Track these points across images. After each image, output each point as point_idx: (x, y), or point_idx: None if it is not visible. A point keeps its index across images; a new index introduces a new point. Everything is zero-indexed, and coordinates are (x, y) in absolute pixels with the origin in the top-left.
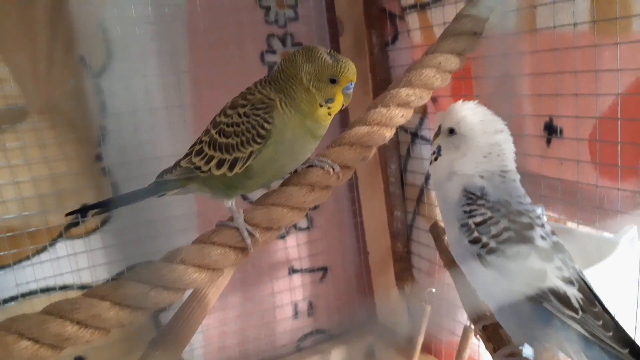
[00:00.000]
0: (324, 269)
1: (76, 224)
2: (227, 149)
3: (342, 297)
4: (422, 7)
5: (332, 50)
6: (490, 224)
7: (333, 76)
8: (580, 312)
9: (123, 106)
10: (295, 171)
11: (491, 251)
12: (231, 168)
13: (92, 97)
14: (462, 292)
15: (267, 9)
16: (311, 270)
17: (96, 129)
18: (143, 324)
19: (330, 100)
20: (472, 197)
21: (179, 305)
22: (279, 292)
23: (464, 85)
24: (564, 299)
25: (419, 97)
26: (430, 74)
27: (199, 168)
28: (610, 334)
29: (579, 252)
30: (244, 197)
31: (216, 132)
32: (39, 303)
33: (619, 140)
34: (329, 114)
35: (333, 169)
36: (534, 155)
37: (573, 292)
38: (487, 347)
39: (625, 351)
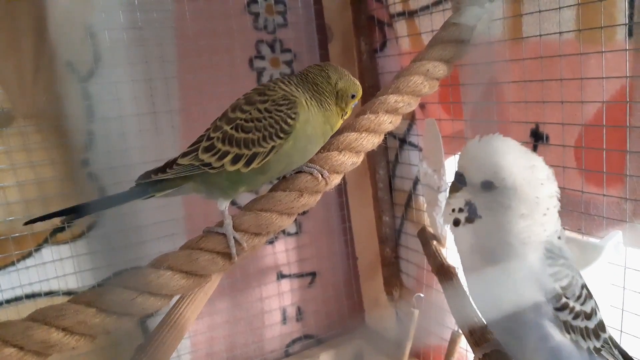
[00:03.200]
0: (313, 274)
1: (62, 229)
2: (246, 144)
3: (331, 302)
4: (410, 15)
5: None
6: (573, 284)
7: (355, 92)
8: (615, 349)
9: (110, 111)
10: (284, 177)
11: (577, 315)
12: (248, 164)
13: (80, 102)
14: (452, 299)
15: (256, 15)
16: (300, 276)
17: (83, 134)
18: (130, 330)
19: (345, 113)
20: (553, 257)
21: (167, 311)
22: (267, 298)
23: (451, 92)
24: (613, 342)
25: (407, 103)
26: (418, 81)
27: (207, 165)
28: (616, 350)
29: None
30: (233, 202)
31: (232, 128)
32: (24, 309)
33: (604, 147)
34: (341, 123)
35: (322, 175)
36: None
37: (609, 334)
38: None
39: None
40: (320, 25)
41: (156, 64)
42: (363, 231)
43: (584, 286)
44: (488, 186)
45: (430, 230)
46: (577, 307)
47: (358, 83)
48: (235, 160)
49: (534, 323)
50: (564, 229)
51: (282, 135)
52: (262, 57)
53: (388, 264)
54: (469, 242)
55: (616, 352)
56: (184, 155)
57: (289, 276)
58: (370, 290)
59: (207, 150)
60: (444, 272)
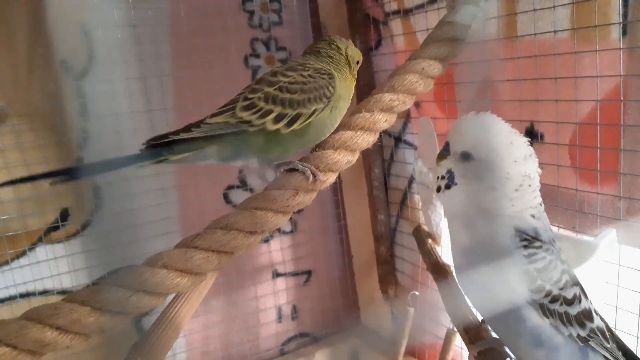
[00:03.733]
0: (308, 273)
1: (56, 227)
2: (291, 104)
3: (326, 301)
4: (405, 13)
5: None
6: (551, 268)
7: (359, 59)
8: (610, 342)
9: (105, 109)
10: (281, 172)
11: (554, 299)
12: (290, 124)
13: (74, 100)
14: (447, 297)
15: (251, 13)
16: (295, 274)
17: (77, 132)
18: (124, 329)
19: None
20: (527, 239)
21: (161, 310)
22: (262, 296)
23: (446, 91)
24: (603, 333)
25: (402, 102)
26: (413, 79)
27: (247, 122)
28: (620, 353)
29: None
30: (228, 201)
31: (275, 89)
32: (19, 308)
33: (598, 145)
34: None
35: (314, 175)
36: None
37: (604, 324)
38: None
39: None
40: (316, 23)
41: (151, 62)
42: (358, 229)
43: (565, 272)
44: (466, 156)
45: (426, 228)
46: (555, 291)
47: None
48: (278, 119)
49: (510, 301)
50: (559, 227)
51: (324, 99)
52: (257, 55)
53: (383, 262)
54: (446, 207)
55: (611, 345)
56: (214, 115)
57: (285, 274)
58: (366, 289)
59: (246, 108)
60: (439, 270)
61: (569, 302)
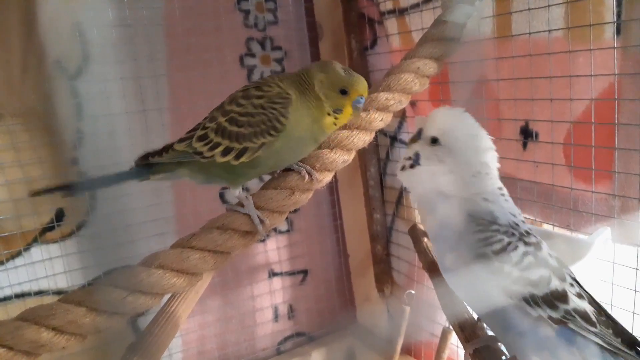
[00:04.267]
0: (304, 272)
1: (51, 228)
2: (237, 138)
3: (323, 300)
4: (400, 13)
5: (348, 67)
6: (509, 250)
7: (344, 87)
8: (598, 325)
9: (99, 109)
10: (275, 173)
11: (516, 281)
12: (238, 157)
13: (68, 100)
14: (442, 296)
15: (247, 13)
16: (291, 273)
17: (72, 133)
18: (121, 329)
19: (338, 110)
20: (482, 223)
21: (158, 310)
22: (259, 296)
23: (441, 90)
24: (585, 316)
25: (397, 101)
26: (409, 78)
27: (199, 153)
28: (619, 339)
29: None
30: (224, 201)
31: (226, 120)
32: (14, 309)
33: (593, 144)
34: (335, 123)
35: (310, 175)
36: (510, 158)
37: (587, 307)
38: None
39: (633, 353)
40: (311, 22)
41: (145, 62)
42: (354, 228)
43: (526, 253)
44: (434, 141)
45: (421, 227)
46: (516, 273)
47: (354, 77)
48: (226, 152)
49: (474, 285)
50: (554, 225)
51: (273, 133)
52: (252, 55)
53: (379, 261)
54: (410, 187)
55: (600, 329)
56: (181, 140)
57: (281, 274)
58: (362, 288)
59: (200, 139)
60: (435, 269)
61: (534, 284)
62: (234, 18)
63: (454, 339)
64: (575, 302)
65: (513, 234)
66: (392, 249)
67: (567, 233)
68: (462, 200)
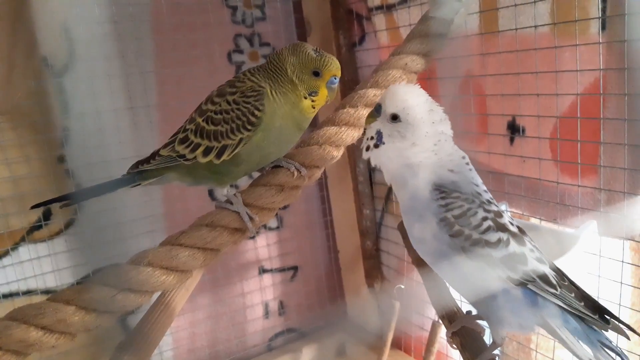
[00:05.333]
0: (295, 268)
1: (39, 227)
2: (215, 137)
3: (313, 296)
4: (388, 9)
5: (318, 47)
6: (469, 215)
7: (316, 69)
8: (559, 288)
9: (87, 107)
10: (263, 169)
11: (475, 242)
12: (219, 156)
13: (55, 97)
14: (431, 289)
15: (234, 9)
16: (282, 270)
17: (59, 130)
18: (110, 327)
19: (314, 93)
20: (445, 191)
21: (147, 308)
22: (249, 293)
23: (429, 86)
24: (544, 278)
25: None
26: (396, 74)
27: (182, 156)
28: (582, 303)
29: (541, 247)
30: (213, 198)
31: (203, 120)
32: (2, 309)
33: (579, 138)
34: (313, 107)
35: (299, 171)
36: (497, 153)
37: (548, 271)
38: (464, 357)
39: (596, 316)
40: (299, 18)
41: (133, 59)
42: (344, 224)
43: (486, 219)
44: (395, 118)
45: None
46: (476, 235)
47: (325, 58)
48: (207, 152)
49: (437, 250)
50: (541, 219)
51: (249, 127)
52: (240, 51)
53: (369, 257)
54: (379, 165)
55: (561, 292)
56: (165, 145)
57: (271, 271)
58: (352, 283)
59: (182, 142)
60: (424, 263)
61: (492, 245)
62: (222, 14)
63: (443, 333)
64: (534, 265)
65: (474, 201)
66: (382, 245)
67: (554, 227)
68: (429, 171)
